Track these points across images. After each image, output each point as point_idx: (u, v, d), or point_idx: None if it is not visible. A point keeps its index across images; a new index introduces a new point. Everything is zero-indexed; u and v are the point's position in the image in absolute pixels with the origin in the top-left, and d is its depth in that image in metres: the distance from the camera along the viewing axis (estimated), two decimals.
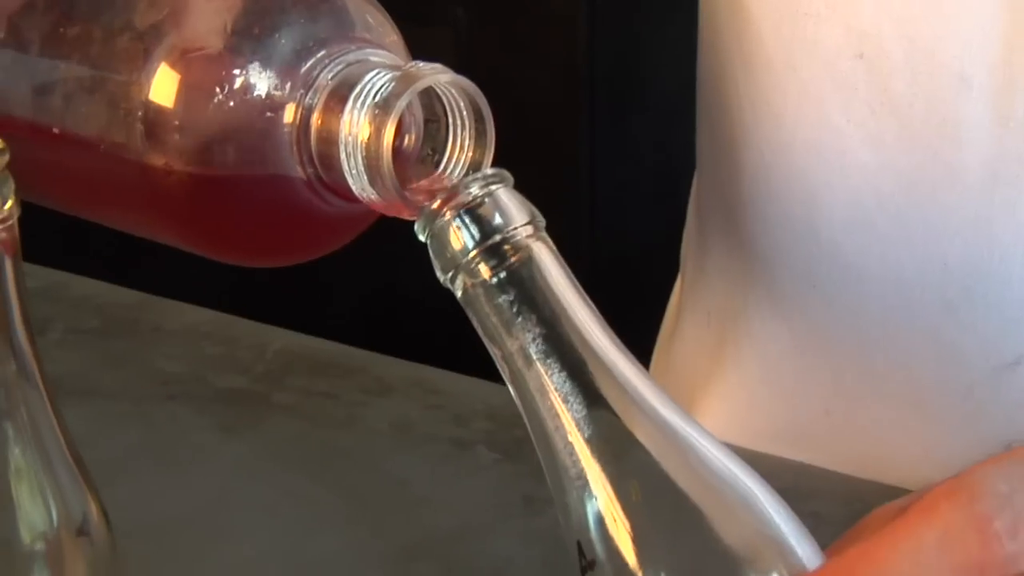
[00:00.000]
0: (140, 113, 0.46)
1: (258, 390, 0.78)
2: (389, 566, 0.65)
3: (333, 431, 0.74)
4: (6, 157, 0.42)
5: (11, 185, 0.42)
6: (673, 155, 1.21)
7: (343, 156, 0.45)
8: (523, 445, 0.72)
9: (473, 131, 0.46)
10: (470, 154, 0.46)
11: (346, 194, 0.46)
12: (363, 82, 0.45)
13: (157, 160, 0.46)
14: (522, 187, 0.45)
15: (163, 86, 0.46)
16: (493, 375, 0.79)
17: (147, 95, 0.46)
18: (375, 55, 0.47)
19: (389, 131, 0.44)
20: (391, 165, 0.44)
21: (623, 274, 1.66)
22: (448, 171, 0.46)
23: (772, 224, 0.69)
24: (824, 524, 0.62)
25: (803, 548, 0.43)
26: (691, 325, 0.78)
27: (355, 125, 0.45)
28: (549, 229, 0.44)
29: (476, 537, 0.67)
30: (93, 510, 0.47)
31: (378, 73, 0.45)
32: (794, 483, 0.68)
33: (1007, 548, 0.39)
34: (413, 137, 0.47)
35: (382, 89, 0.45)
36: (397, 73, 0.45)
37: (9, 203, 0.43)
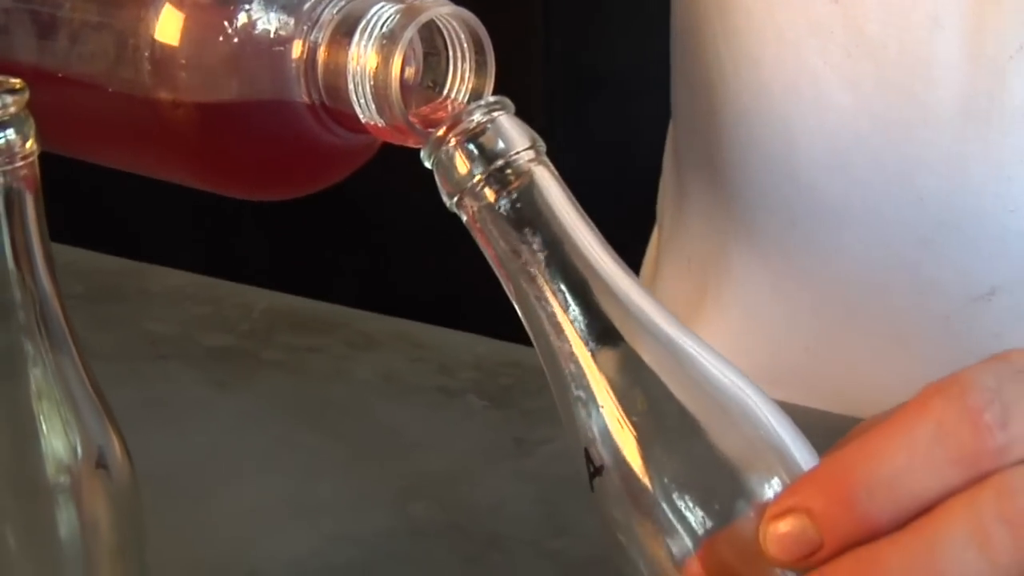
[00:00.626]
0: (147, 52, 0.48)
1: (247, 347, 0.79)
2: (387, 507, 0.66)
3: (323, 384, 0.76)
4: (26, 95, 0.44)
5: (31, 123, 0.44)
6: (634, 135, 1.21)
7: (351, 86, 0.47)
8: (511, 391, 0.75)
9: (473, 62, 0.48)
10: (471, 84, 0.48)
11: (351, 124, 0.48)
12: (368, 15, 0.47)
13: (165, 95, 0.47)
14: None
15: (169, 24, 0.47)
16: (475, 328, 0.81)
17: (154, 33, 0.48)
18: None
19: (397, 61, 0.46)
20: (399, 93, 0.46)
21: None
22: (450, 99, 0.48)
23: (751, 167, 0.70)
24: None
25: (801, 452, 0.45)
26: (671, 272, 0.79)
27: (363, 56, 0.46)
28: None
29: (470, 478, 0.68)
30: (115, 443, 0.48)
31: (382, 7, 0.47)
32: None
33: (998, 439, 0.41)
34: (414, 69, 0.48)
35: (387, 21, 0.46)
36: (401, 6, 0.47)
37: (30, 141, 0.44)
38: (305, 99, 0.48)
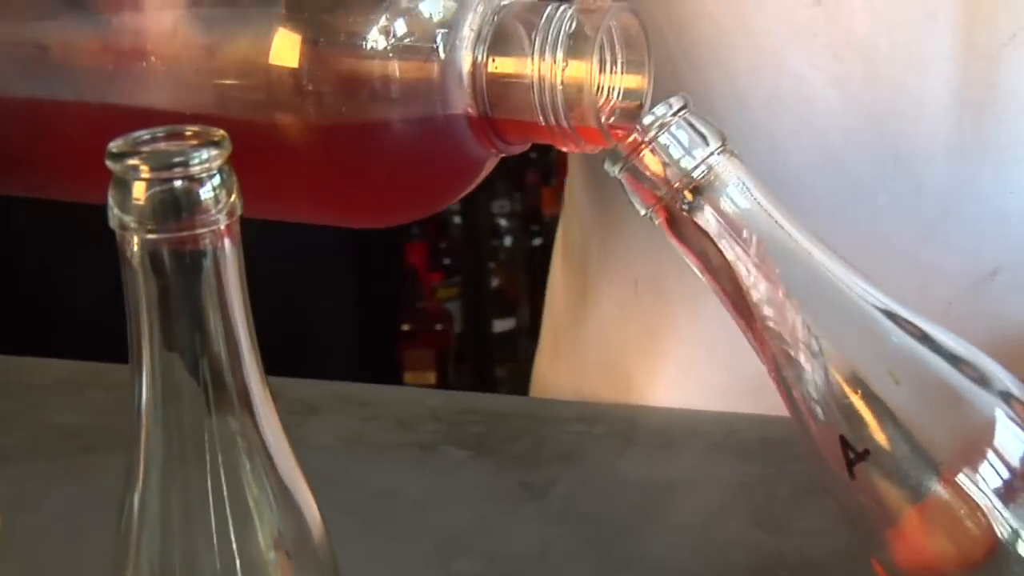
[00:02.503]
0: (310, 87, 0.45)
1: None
2: (431, 569, 0.63)
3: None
4: (228, 149, 0.40)
5: (235, 179, 0.41)
6: None
7: (536, 94, 0.45)
8: (485, 438, 0.73)
9: (626, 61, 0.47)
10: (627, 84, 0.48)
11: (509, 134, 0.47)
12: (542, 21, 0.45)
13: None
14: None
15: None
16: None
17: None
18: None
19: (593, 64, 0.45)
20: (595, 97, 0.45)
21: None
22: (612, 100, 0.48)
23: None
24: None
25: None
26: (611, 296, 0.79)
27: (550, 62, 0.45)
28: None
29: (498, 528, 0.66)
30: (316, 518, 0.45)
31: (553, 10, 0.46)
32: (769, 434, 0.71)
33: None
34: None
35: (567, 25, 0.45)
36: (572, 8, 0.46)
37: (235, 195, 0.41)
38: (471, 112, 0.46)
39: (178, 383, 0.42)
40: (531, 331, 2.61)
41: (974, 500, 0.45)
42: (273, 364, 0.59)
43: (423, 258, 2.58)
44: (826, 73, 0.66)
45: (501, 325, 2.53)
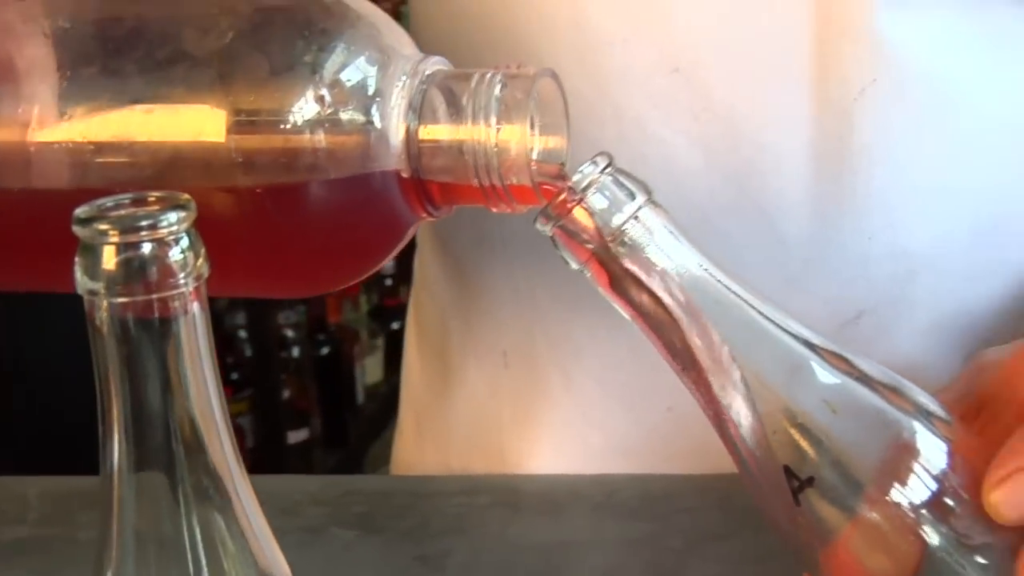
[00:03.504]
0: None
1: (54, 533, 0.74)
2: None
3: None
4: (194, 212, 0.41)
5: (201, 240, 0.41)
6: None
7: (471, 158, 0.47)
8: (370, 517, 0.73)
9: (541, 124, 0.49)
10: (548, 144, 0.49)
11: (435, 196, 0.49)
12: (472, 87, 0.47)
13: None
14: None
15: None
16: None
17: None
18: (433, 62, 0.49)
19: (528, 126, 0.46)
20: (529, 158, 0.46)
21: None
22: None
23: None
24: (704, 520, 0.67)
25: (935, 404, 0.49)
26: (479, 371, 0.80)
27: (488, 128, 0.47)
28: None
29: None
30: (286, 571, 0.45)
31: (480, 78, 0.47)
32: (648, 491, 0.73)
33: None
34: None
35: (497, 91, 0.47)
36: (500, 74, 0.47)
37: (202, 259, 0.41)
38: (404, 177, 0.48)
39: (149, 449, 0.42)
40: (325, 440, 2.61)
41: (905, 513, 0.47)
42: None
43: None
44: (688, 136, 0.69)
45: (295, 436, 2.52)
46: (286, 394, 2.51)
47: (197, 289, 0.41)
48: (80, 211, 0.41)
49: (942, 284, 0.71)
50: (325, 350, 2.64)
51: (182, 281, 0.41)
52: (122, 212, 0.41)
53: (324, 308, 2.69)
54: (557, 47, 0.70)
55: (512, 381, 0.78)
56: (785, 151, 0.69)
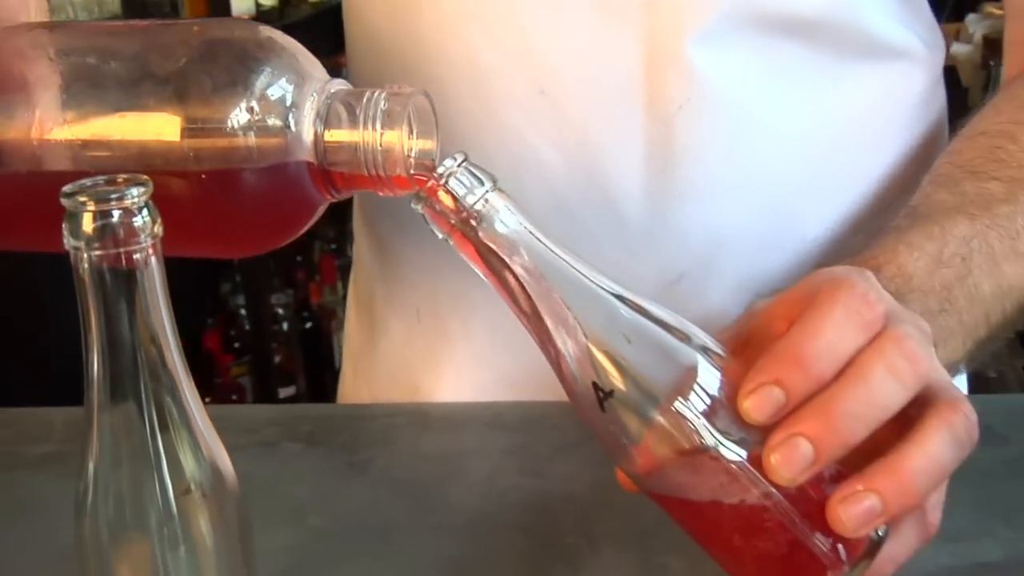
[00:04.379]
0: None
1: (69, 449, 0.76)
2: (288, 526, 0.66)
3: None
4: (151, 187, 0.44)
5: (156, 210, 0.44)
6: None
7: (362, 155, 0.50)
8: (314, 434, 0.76)
9: (418, 130, 0.53)
10: (422, 146, 0.53)
11: (337, 183, 0.52)
12: (364, 102, 0.50)
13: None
14: None
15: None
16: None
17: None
18: (337, 83, 0.52)
19: (404, 132, 0.50)
20: (405, 155, 0.50)
21: None
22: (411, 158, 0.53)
23: None
24: (565, 434, 0.70)
25: (714, 343, 0.51)
26: (399, 324, 0.83)
27: (375, 133, 0.50)
28: None
29: (335, 495, 0.69)
30: (227, 463, 0.48)
31: (371, 95, 0.51)
32: (527, 414, 0.76)
33: (879, 309, 0.50)
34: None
35: (382, 105, 0.50)
36: (385, 93, 0.51)
37: (158, 223, 0.44)
38: (311, 162, 0.51)
39: (120, 366, 0.45)
40: (309, 395, 2.63)
41: (687, 420, 0.50)
42: None
43: (217, 343, 2.57)
44: (552, 141, 0.72)
45: (285, 392, 2.54)
46: (277, 359, 2.53)
47: (154, 246, 0.44)
48: (66, 188, 0.43)
49: (743, 254, 0.74)
50: (309, 325, 2.66)
51: (143, 240, 0.44)
52: (97, 188, 0.44)
53: (308, 292, 2.70)
54: (455, 76, 0.73)
55: (423, 332, 0.81)
56: (624, 152, 0.72)
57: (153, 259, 0.45)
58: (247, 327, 2.52)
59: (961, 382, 0.83)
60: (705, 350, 0.51)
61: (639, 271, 0.73)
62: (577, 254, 0.51)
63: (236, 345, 2.56)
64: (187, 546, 0.47)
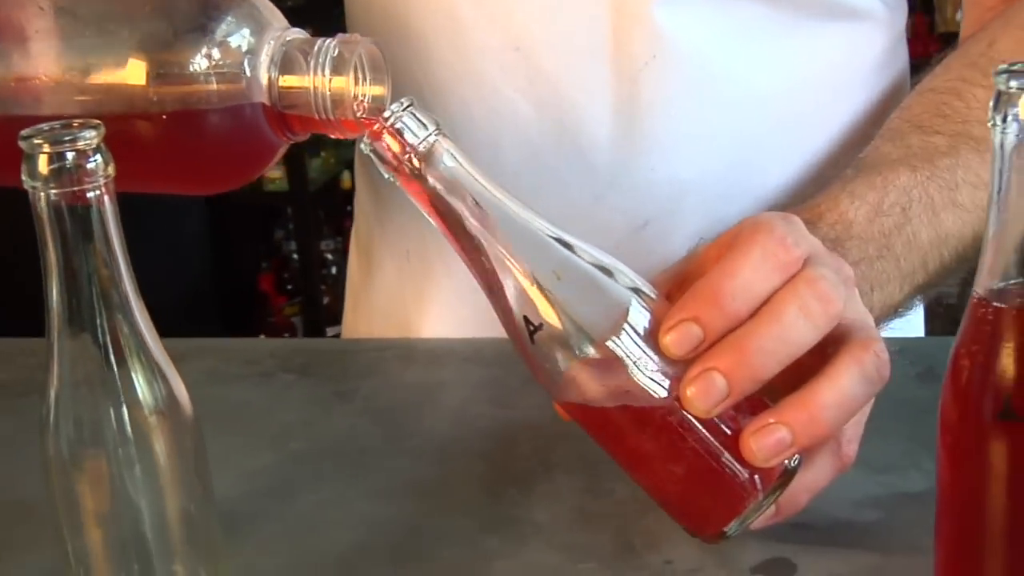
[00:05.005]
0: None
1: None
2: (270, 449, 0.67)
3: None
4: (103, 130, 0.44)
5: (109, 152, 0.44)
6: None
7: (312, 99, 0.50)
8: (309, 366, 0.76)
9: (372, 77, 0.52)
10: (372, 91, 0.52)
11: (293, 126, 0.52)
12: (315, 50, 0.50)
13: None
14: None
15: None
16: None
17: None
18: (294, 32, 0.52)
19: (351, 77, 0.49)
20: (351, 100, 0.49)
21: None
22: (358, 102, 0.52)
23: None
24: None
25: (647, 286, 0.50)
26: (391, 264, 0.82)
27: (323, 78, 0.50)
28: None
29: (320, 422, 0.70)
30: (181, 389, 0.48)
31: (323, 43, 0.50)
32: (502, 349, 0.75)
33: (796, 252, 0.49)
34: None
35: (332, 51, 0.50)
36: (335, 41, 0.50)
37: (111, 164, 0.44)
38: (266, 104, 0.50)
39: (77, 296, 0.45)
40: None
41: (613, 356, 0.49)
42: None
43: (271, 285, 2.59)
44: (526, 94, 0.71)
45: (332, 331, 2.55)
46: (326, 300, 2.54)
47: (107, 185, 0.44)
48: (24, 132, 0.43)
49: (706, 202, 0.73)
50: None
51: (96, 179, 0.44)
52: (53, 131, 0.43)
53: None
54: (436, 29, 0.72)
55: (412, 272, 0.81)
56: (592, 106, 0.71)
57: (106, 197, 0.44)
58: (298, 270, 2.54)
59: (918, 321, 0.82)
60: (636, 291, 0.50)
61: (607, 217, 0.73)
62: (518, 199, 0.50)
63: (288, 287, 2.58)
64: (143, 465, 0.47)
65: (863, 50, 0.74)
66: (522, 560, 0.56)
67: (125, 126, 0.45)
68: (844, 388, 0.48)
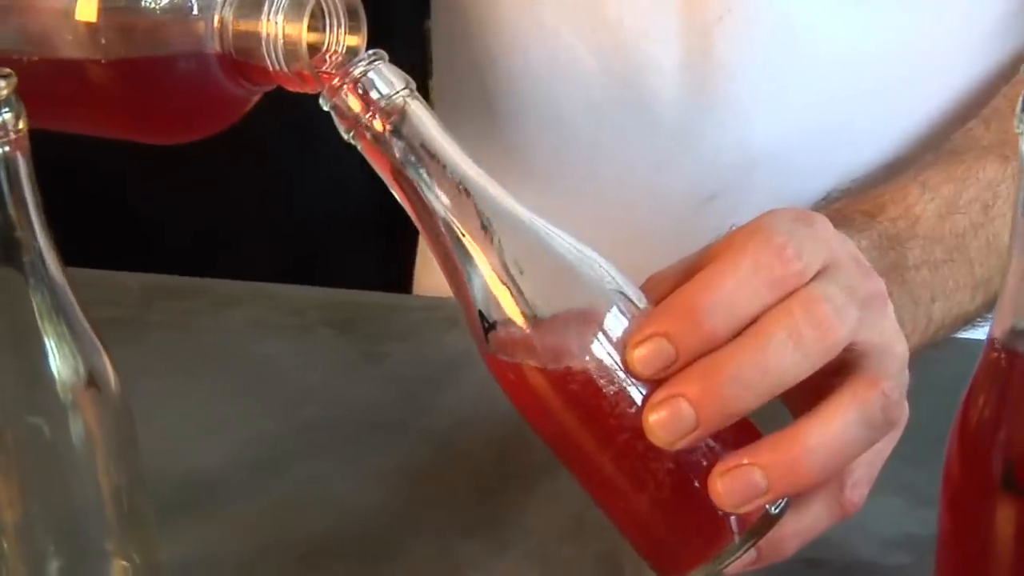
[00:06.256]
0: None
1: (133, 315, 0.75)
2: (280, 415, 0.64)
3: (202, 334, 0.72)
4: (15, 80, 0.40)
5: (21, 104, 0.40)
6: None
7: (264, 45, 0.45)
8: (353, 322, 0.73)
9: (347, 26, 0.46)
10: (347, 42, 0.47)
11: (253, 76, 0.46)
12: None
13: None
14: None
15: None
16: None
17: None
18: None
19: (305, 23, 0.44)
20: (307, 49, 0.44)
21: None
22: (331, 53, 0.46)
23: (521, 122, 0.69)
24: None
25: (634, 291, 0.44)
26: None
27: (275, 22, 0.44)
28: None
29: (339, 386, 0.66)
30: (107, 362, 0.44)
31: None
32: None
33: (797, 265, 0.42)
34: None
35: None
36: None
37: (22, 119, 0.40)
38: (218, 53, 0.46)
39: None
40: None
41: (585, 366, 0.43)
42: None
43: None
44: (588, 44, 0.65)
45: None
46: None
47: (18, 141, 0.41)
48: None
49: (780, 179, 0.66)
50: None
51: (5, 135, 0.40)
52: None
53: None
54: None
55: None
56: (658, 61, 0.65)
57: (18, 154, 0.41)
58: None
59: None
60: (620, 294, 0.44)
61: (668, 187, 0.67)
62: (484, 173, 0.44)
63: None
64: (58, 444, 0.44)
65: (977, 13, 0.65)
66: (495, 572, 0.51)
67: (71, 70, 0.42)
68: (836, 431, 0.41)
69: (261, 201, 1.53)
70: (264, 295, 0.76)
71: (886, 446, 0.44)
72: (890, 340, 0.43)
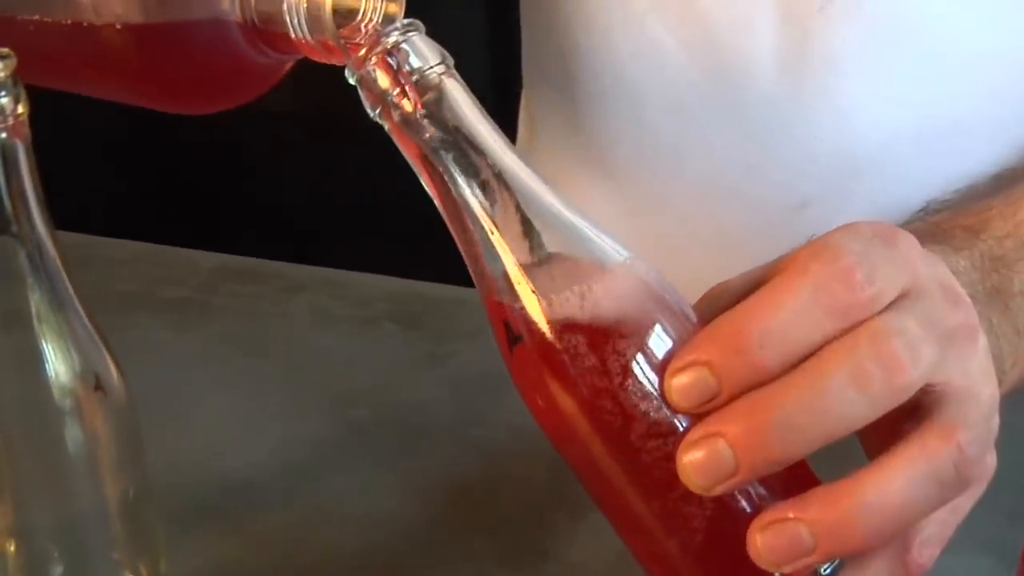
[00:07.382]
0: None
1: (199, 297, 0.73)
2: (328, 414, 0.60)
3: (264, 321, 0.70)
4: (14, 61, 0.37)
5: (20, 86, 0.38)
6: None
7: (285, 11, 0.41)
8: (420, 317, 0.69)
9: None
10: (384, 9, 0.42)
11: (278, 45, 0.43)
12: None
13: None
14: None
15: None
16: (385, 271, 0.75)
17: None
18: None
19: None
20: (331, 16, 0.40)
21: None
22: (366, 22, 0.42)
23: (604, 115, 0.65)
24: None
25: (686, 306, 0.39)
26: None
27: None
28: None
29: (395, 387, 0.63)
30: (112, 368, 0.41)
31: None
32: None
33: (867, 292, 0.36)
34: None
35: None
36: None
37: (21, 102, 0.38)
38: (239, 20, 0.42)
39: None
40: None
41: (614, 388, 0.38)
42: None
43: None
44: (675, 35, 0.61)
45: None
46: None
47: (16, 127, 0.38)
48: None
49: (883, 186, 0.60)
50: None
51: (3, 119, 0.37)
52: None
53: None
54: None
55: None
56: (752, 55, 0.60)
57: (17, 141, 0.38)
58: None
59: None
60: (668, 309, 0.39)
61: (758, 191, 0.62)
62: (526, 163, 0.40)
63: None
64: (57, 447, 0.41)
65: None
66: None
67: (86, 32, 0.39)
68: (897, 488, 0.36)
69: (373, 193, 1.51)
70: (328, 282, 0.74)
71: (966, 502, 0.39)
72: (975, 382, 0.38)
